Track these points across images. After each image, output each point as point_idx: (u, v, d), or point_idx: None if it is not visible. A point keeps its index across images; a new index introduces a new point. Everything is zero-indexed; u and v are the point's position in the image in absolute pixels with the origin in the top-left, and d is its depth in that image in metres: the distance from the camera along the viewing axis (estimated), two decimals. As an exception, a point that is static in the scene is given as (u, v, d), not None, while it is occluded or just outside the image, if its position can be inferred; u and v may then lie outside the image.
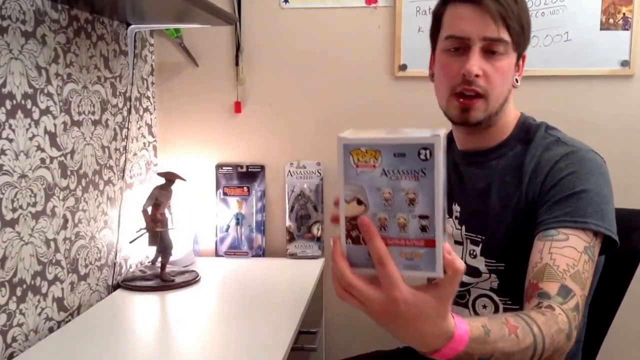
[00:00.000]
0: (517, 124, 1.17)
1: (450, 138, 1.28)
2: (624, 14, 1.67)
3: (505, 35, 1.06)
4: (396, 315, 0.65)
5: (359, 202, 0.69)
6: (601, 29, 1.68)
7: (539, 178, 1.08)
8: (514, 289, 1.12)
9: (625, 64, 1.69)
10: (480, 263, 1.14)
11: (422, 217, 0.67)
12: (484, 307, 1.15)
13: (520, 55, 1.13)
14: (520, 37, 1.08)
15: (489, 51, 1.07)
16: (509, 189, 1.12)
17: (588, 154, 1.07)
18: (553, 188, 1.05)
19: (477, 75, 1.06)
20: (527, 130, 1.16)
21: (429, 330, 0.66)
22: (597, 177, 1.04)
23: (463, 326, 0.70)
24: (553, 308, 0.90)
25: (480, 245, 1.14)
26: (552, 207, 1.03)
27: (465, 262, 1.15)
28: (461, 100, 1.09)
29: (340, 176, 0.69)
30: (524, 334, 0.82)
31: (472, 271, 1.15)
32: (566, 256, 0.97)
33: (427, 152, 0.66)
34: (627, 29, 1.67)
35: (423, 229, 0.67)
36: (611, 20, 1.68)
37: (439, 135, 0.65)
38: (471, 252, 1.15)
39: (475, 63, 1.06)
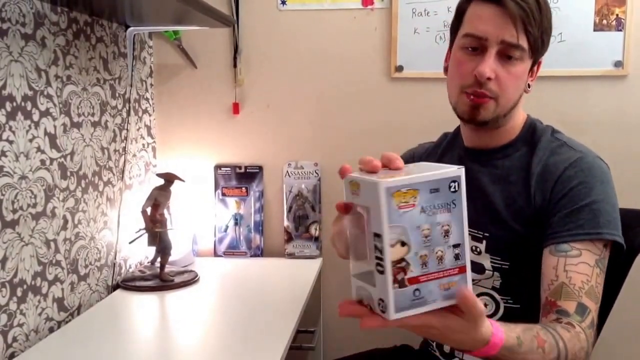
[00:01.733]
0: (524, 126, 1.18)
1: (457, 133, 1.29)
2: (617, 15, 1.68)
3: (524, 42, 1.05)
4: (437, 336, 0.76)
5: (402, 244, 0.70)
6: (595, 30, 1.70)
7: (547, 184, 1.08)
8: (516, 288, 1.14)
9: (618, 64, 1.70)
10: (485, 260, 1.15)
11: (455, 246, 0.71)
12: (485, 305, 1.16)
13: (535, 62, 1.12)
14: (538, 44, 1.07)
15: (505, 55, 1.06)
16: (513, 188, 1.13)
17: (595, 161, 1.09)
18: (564, 198, 1.06)
19: (489, 78, 1.06)
20: (533, 132, 1.16)
21: (468, 341, 0.76)
22: (605, 185, 1.06)
23: (499, 335, 0.79)
24: (573, 325, 0.96)
25: (485, 242, 1.15)
26: (565, 220, 1.05)
27: None
28: (472, 97, 1.09)
29: (384, 221, 0.68)
30: (550, 349, 0.90)
31: (475, 267, 1.16)
32: (580, 273, 1.00)
33: (456, 184, 0.70)
34: (620, 30, 1.69)
35: (457, 257, 0.71)
36: (604, 21, 1.69)
37: (462, 167, 0.70)
38: (474, 248, 1.16)
39: (489, 65, 1.05)
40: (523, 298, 1.11)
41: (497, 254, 1.14)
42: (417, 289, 0.70)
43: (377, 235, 0.70)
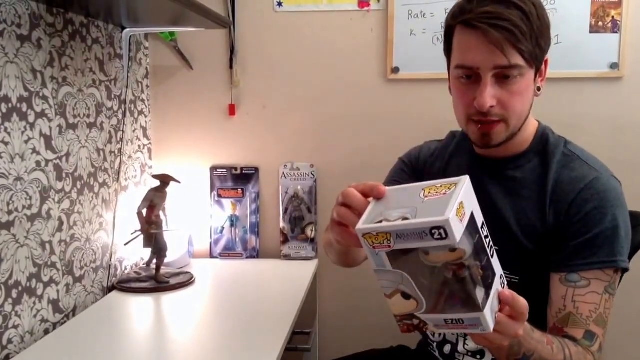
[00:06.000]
0: (536, 136, 1.14)
1: (465, 135, 1.23)
2: (612, 16, 1.69)
3: (517, 60, 0.99)
4: None
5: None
6: (591, 32, 1.70)
7: (561, 204, 1.07)
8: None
9: (614, 66, 1.71)
10: None
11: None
12: None
13: (540, 67, 1.06)
14: (536, 53, 1.02)
15: (503, 76, 1.01)
16: (525, 204, 1.11)
17: (610, 182, 1.07)
18: (578, 223, 1.05)
19: (491, 106, 1.02)
20: (545, 143, 1.14)
21: None
22: (619, 208, 1.06)
23: None
24: (582, 347, 1.00)
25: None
26: (578, 248, 1.04)
27: None
28: (479, 126, 1.05)
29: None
30: (558, 351, 0.94)
31: None
32: (588, 302, 1.02)
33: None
34: (616, 32, 1.69)
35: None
36: (600, 23, 1.70)
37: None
38: None
39: (488, 94, 1.01)
40: (531, 312, 1.11)
41: (506, 268, 1.13)
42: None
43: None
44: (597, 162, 1.12)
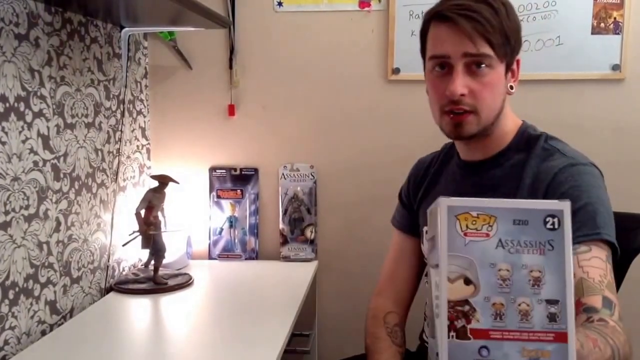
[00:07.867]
0: (517, 134, 1.16)
1: (453, 147, 1.28)
2: (614, 18, 1.68)
3: (487, 50, 1.05)
4: None
5: (467, 282, 0.58)
6: (592, 33, 1.70)
7: (538, 192, 1.07)
8: None
9: (616, 67, 1.70)
10: None
11: (550, 302, 0.56)
12: None
13: (510, 64, 1.11)
14: (506, 47, 1.07)
15: (473, 66, 1.06)
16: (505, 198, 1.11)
17: (586, 168, 1.07)
18: None
19: (462, 95, 1.06)
20: (526, 140, 1.15)
21: None
22: (597, 189, 1.05)
23: None
24: (607, 321, 0.93)
25: None
26: None
27: None
28: (451, 116, 1.09)
29: (442, 247, 0.57)
30: (604, 346, 0.87)
31: None
32: (596, 267, 0.98)
33: (556, 220, 0.57)
34: (618, 33, 1.69)
35: (552, 317, 0.56)
36: (602, 25, 1.69)
37: (568, 202, 0.58)
38: None
39: (459, 83, 1.05)
40: None
41: None
42: (484, 347, 0.56)
43: (436, 267, 0.58)
44: (576, 153, 1.11)
